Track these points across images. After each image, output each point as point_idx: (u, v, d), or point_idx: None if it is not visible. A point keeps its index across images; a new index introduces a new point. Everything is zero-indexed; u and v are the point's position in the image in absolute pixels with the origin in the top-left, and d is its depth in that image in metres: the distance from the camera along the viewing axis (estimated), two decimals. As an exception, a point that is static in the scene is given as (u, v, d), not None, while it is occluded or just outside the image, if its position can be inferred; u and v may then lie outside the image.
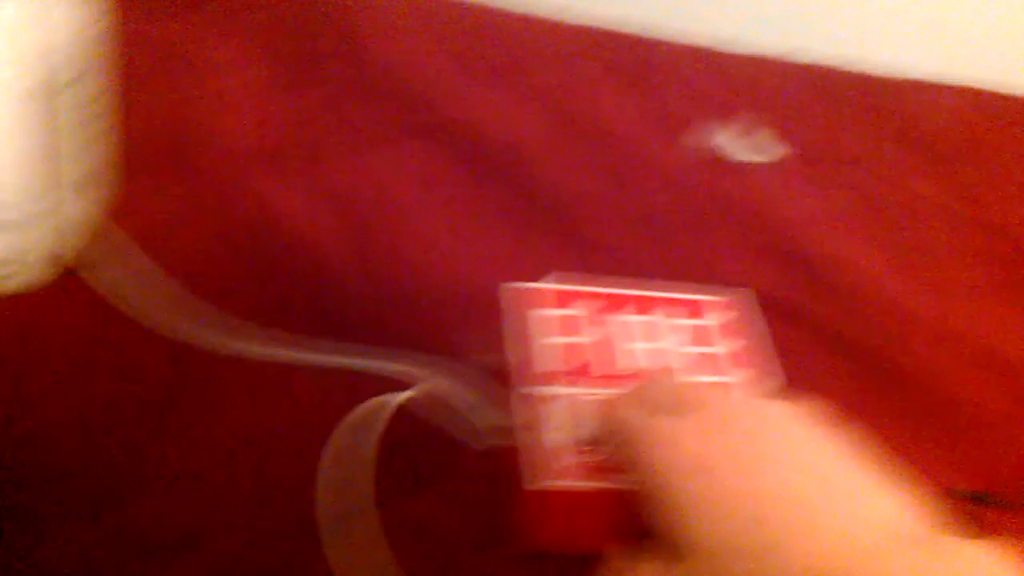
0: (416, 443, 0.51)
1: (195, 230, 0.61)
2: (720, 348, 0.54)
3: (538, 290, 0.56)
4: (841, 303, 0.69)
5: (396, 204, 0.69)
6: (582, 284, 0.56)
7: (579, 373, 0.51)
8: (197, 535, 0.44)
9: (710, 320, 0.56)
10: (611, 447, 0.43)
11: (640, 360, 0.53)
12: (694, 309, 0.57)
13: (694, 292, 0.58)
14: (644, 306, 0.56)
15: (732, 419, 0.40)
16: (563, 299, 0.56)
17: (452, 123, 0.80)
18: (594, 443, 0.45)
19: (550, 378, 0.50)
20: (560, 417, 0.48)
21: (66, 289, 0.54)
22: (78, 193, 0.56)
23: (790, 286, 0.70)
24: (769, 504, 0.36)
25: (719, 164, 0.84)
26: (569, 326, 0.54)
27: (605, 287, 0.57)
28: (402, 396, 0.49)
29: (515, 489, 0.46)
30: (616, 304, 0.56)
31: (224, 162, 0.68)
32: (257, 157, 0.70)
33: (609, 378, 0.51)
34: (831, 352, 0.65)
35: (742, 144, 0.86)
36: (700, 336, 0.55)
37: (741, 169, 0.84)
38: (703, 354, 0.54)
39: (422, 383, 0.54)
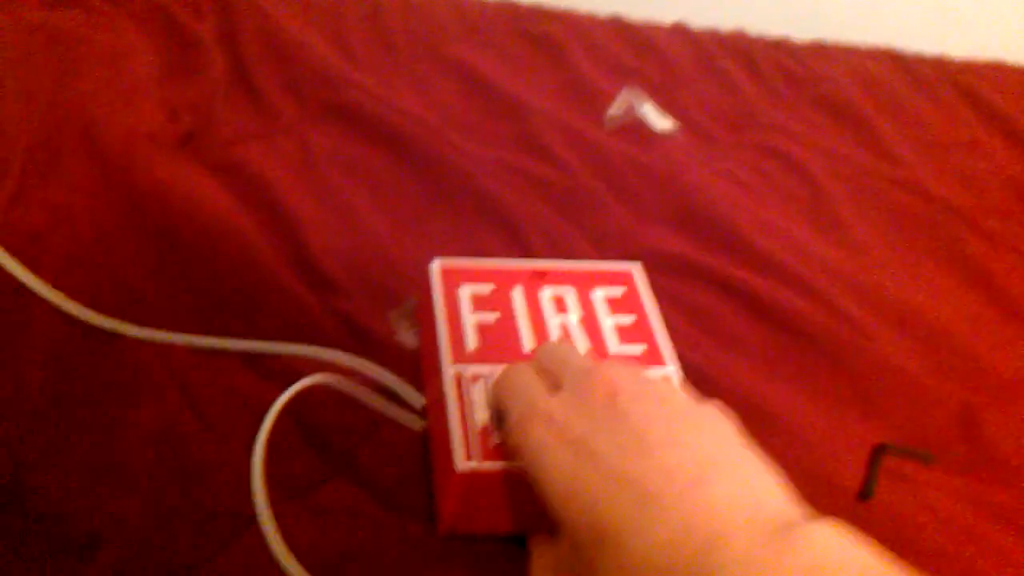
0: (335, 427, 0.49)
1: (98, 221, 0.59)
2: (621, 320, 0.54)
3: (467, 267, 0.55)
4: (762, 267, 0.69)
5: (312, 186, 0.67)
6: (471, 266, 0.55)
7: (509, 350, 0.50)
8: (107, 530, 0.42)
9: (614, 292, 0.56)
10: (503, 426, 0.43)
11: (565, 333, 0.52)
12: (612, 281, 0.56)
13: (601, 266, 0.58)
14: (562, 278, 0.56)
15: (608, 394, 0.39)
16: (487, 275, 0.55)
17: (365, 101, 0.78)
18: (496, 423, 0.45)
19: (480, 356, 0.49)
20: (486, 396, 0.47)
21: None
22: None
23: (707, 250, 0.70)
24: (614, 488, 0.35)
25: (636, 132, 0.83)
26: (496, 302, 0.53)
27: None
28: (313, 379, 0.47)
29: (441, 470, 0.46)
30: (538, 277, 0.55)
31: (126, 151, 0.65)
32: (161, 144, 0.67)
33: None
34: (754, 316, 0.65)
35: (660, 113, 0.86)
36: (609, 311, 0.54)
37: (657, 137, 0.84)
38: (615, 327, 0.53)
39: (343, 366, 0.53)
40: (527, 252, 0.66)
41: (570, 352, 0.48)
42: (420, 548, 0.45)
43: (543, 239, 0.67)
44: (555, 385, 0.42)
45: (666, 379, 0.49)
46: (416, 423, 0.51)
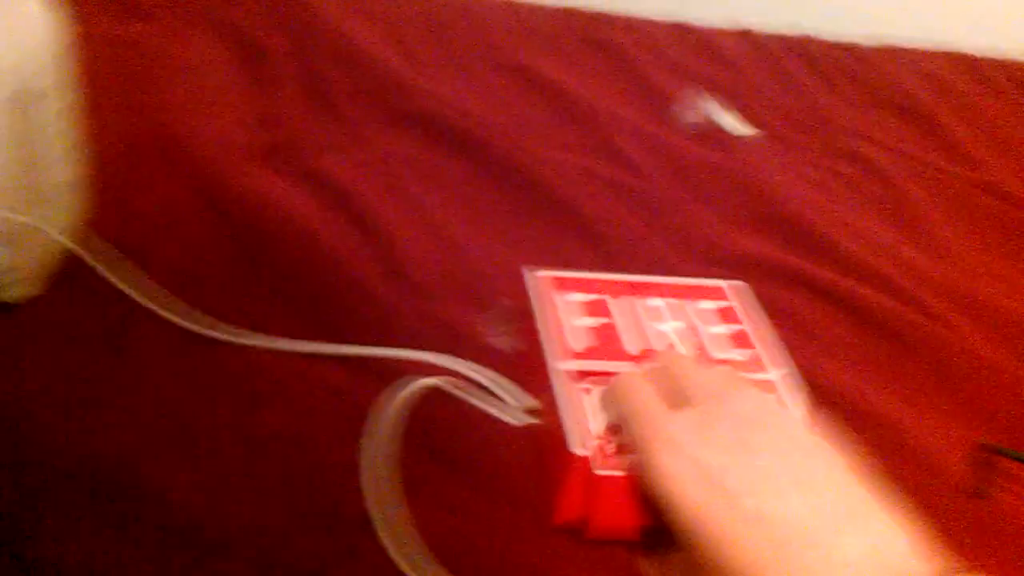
0: (447, 426, 0.49)
1: (191, 230, 0.59)
2: (729, 329, 0.53)
3: (566, 276, 0.55)
4: (845, 268, 0.68)
5: (394, 193, 0.67)
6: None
7: (615, 352, 0.49)
8: (232, 534, 0.42)
9: (713, 305, 0.55)
10: (622, 435, 0.42)
11: (663, 342, 0.51)
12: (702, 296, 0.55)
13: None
14: (661, 292, 0.55)
15: (736, 424, 0.39)
16: (587, 285, 0.54)
17: (438, 110, 0.78)
18: (612, 430, 0.44)
19: (587, 354, 0.48)
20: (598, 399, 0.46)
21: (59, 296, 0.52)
22: (59, 204, 0.54)
23: (794, 254, 0.69)
24: (745, 528, 0.35)
25: (712, 137, 0.83)
26: (597, 309, 0.52)
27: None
28: (428, 381, 0.47)
29: (557, 471, 0.45)
30: (637, 290, 0.54)
31: (212, 162, 0.65)
32: (245, 155, 0.67)
33: (640, 359, 0.49)
34: (847, 319, 0.64)
35: (733, 117, 0.85)
36: (710, 321, 0.53)
37: (734, 142, 0.83)
38: (717, 335, 0.52)
39: (451, 367, 0.52)
40: (611, 258, 0.65)
41: (692, 367, 0.47)
42: (535, 543, 0.44)
43: (627, 244, 0.67)
44: (672, 398, 0.42)
45: (781, 400, 0.48)
46: (519, 419, 0.50)
